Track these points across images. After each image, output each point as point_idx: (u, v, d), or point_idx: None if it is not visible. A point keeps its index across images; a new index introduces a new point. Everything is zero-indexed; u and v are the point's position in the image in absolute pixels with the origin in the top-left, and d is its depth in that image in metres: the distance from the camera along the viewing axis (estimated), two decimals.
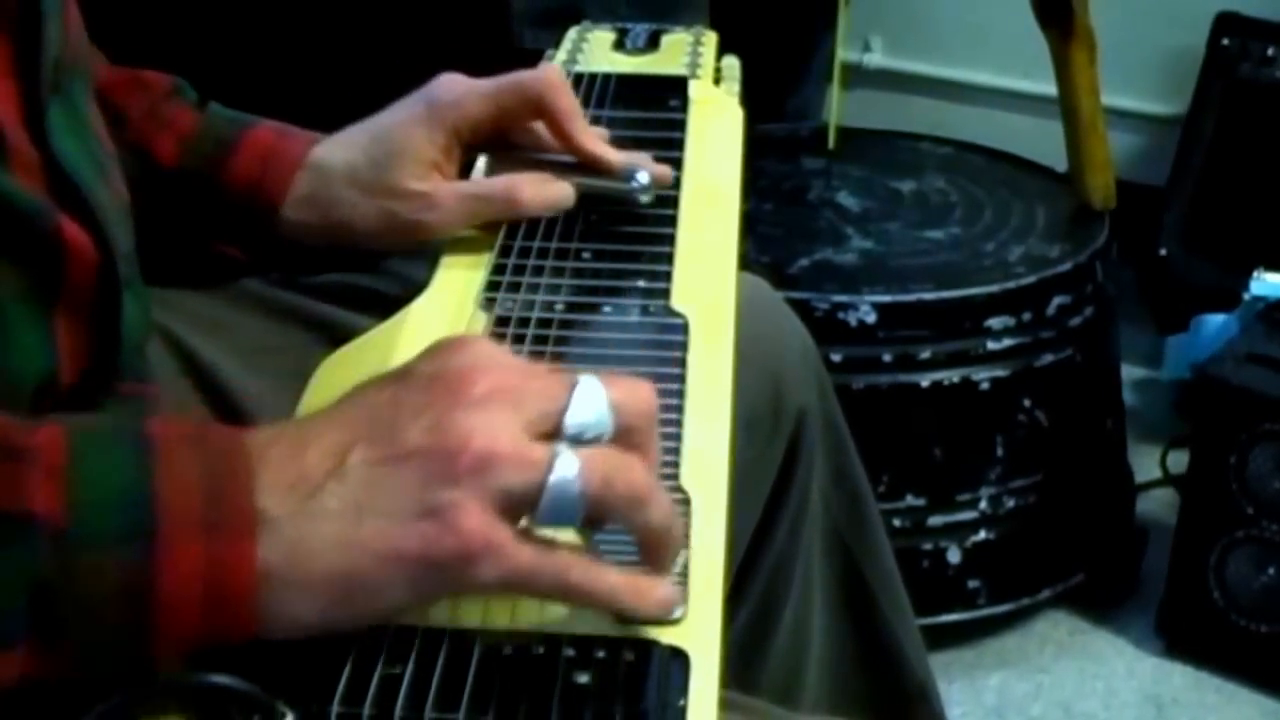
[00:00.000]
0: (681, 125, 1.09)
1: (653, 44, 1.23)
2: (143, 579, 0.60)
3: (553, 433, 0.64)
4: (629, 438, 0.65)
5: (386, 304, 0.97)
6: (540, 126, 0.99)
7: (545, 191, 0.96)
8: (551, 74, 0.99)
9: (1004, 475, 1.85)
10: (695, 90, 1.15)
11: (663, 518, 0.65)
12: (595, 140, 0.98)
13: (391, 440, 0.63)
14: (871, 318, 1.77)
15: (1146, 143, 2.58)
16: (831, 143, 2.18)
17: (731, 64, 1.23)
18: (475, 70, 1.05)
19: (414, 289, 0.95)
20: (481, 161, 1.02)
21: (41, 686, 0.63)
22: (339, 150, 1.00)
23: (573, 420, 0.64)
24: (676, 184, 1.01)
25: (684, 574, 0.69)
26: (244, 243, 1.03)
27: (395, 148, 0.97)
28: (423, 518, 0.61)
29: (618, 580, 0.64)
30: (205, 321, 1.01)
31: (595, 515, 0.64)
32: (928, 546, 1.83)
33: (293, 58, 1.99)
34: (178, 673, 0.62)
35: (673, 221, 0.97)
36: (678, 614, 0.67)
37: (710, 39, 1.26)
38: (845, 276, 1.84)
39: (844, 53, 2.41)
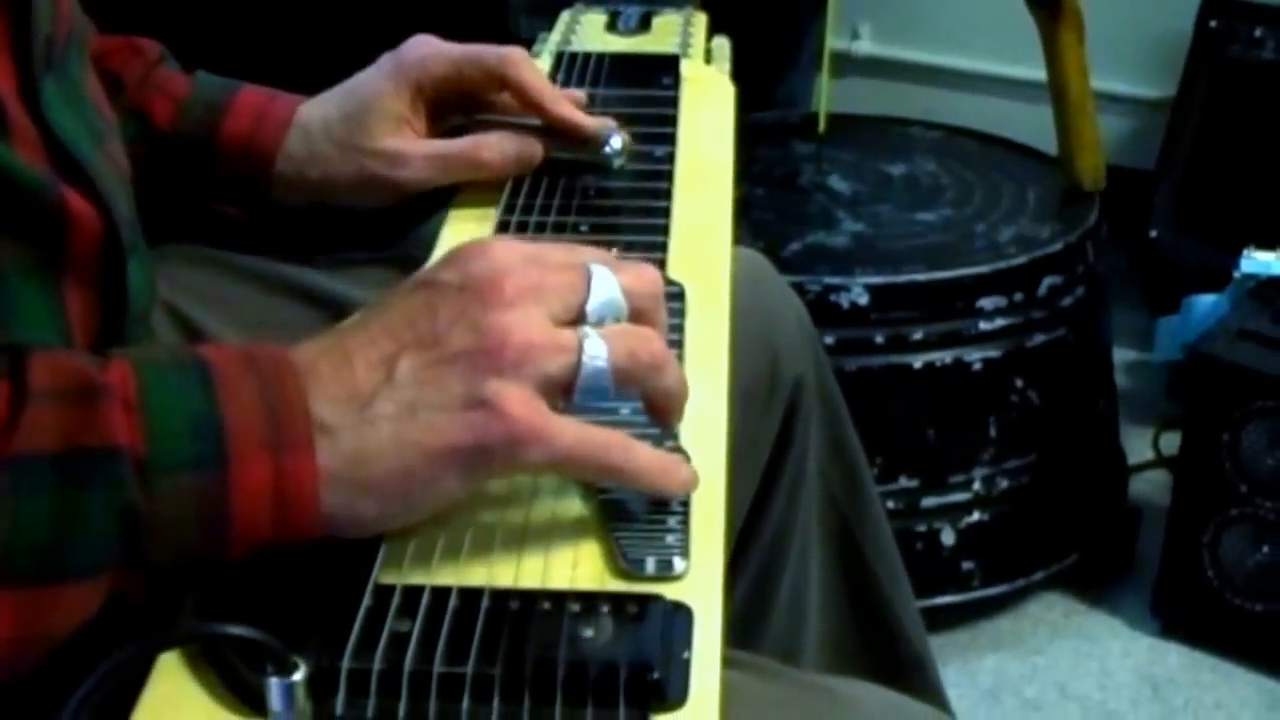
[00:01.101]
0: (674, 102, 1.11)
1: (644, 25, 1.25)
2: (218, 498, 0.65)
3: (576, 320, 0.70)
4: (640, 316, 0.72)
5: (388, 278, 1.00)
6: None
7: (507, 149, 1.00)
8: (512, 52, 1.02)
9: (997, 456, 1.86)
10: (687, 69, 1.17)
11: (677, 381, 0.72)
12: (567, 106, 1.02)
13: (436, 345, 0.67)
14: (864, 299, 1.77)
15: (1136, 126, 2.59)
16: (822, 127, 2.18)
17: (721, 44, 1.24)
18: None
19: (415, 264, 0.96)
20: None
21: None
22: (317, 108, 1.03)
23: (593, 307, 0.70)
24: (670, 159, 1.03)
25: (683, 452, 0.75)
26: (242, 202, 1.05)
27: (365, 104, 1.01)
28: (472, 408, 0.66)
29: (650, 459, 0.70)
30: (209, 296, 1.02)
31: (623, 386, 0.69)
32: (922, 528, 1.84)
33: (287, 45, 1.99)
34: (194, 623, 0.63)
35: (668, 195, 0.98)
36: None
37: (700, 20, 1.28)
38: (837, 259, 1.85)
39: (832, 40, 2.41)
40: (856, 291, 1.77)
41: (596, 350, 0.68)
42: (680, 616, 0.66)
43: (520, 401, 0.66)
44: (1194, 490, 1.83)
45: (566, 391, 0.68)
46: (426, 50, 1.02)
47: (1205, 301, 2.08)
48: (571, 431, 0.68)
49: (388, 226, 1.14)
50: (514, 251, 0.71)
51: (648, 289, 0.73)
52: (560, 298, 0.69)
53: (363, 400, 0.67)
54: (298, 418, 0.66)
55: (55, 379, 0.64)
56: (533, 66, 1.02)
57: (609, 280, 0.71)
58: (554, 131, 1.01)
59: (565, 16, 1.26)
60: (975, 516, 1.86)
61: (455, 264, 0.70)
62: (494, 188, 1.00)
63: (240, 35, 2.04)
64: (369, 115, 1.01)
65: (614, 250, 0.91)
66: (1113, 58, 2.23)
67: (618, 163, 1.01)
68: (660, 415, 0.73)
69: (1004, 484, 1.87)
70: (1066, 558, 1.95)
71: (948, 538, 1.85)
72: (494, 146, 1.00)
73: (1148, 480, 2.12)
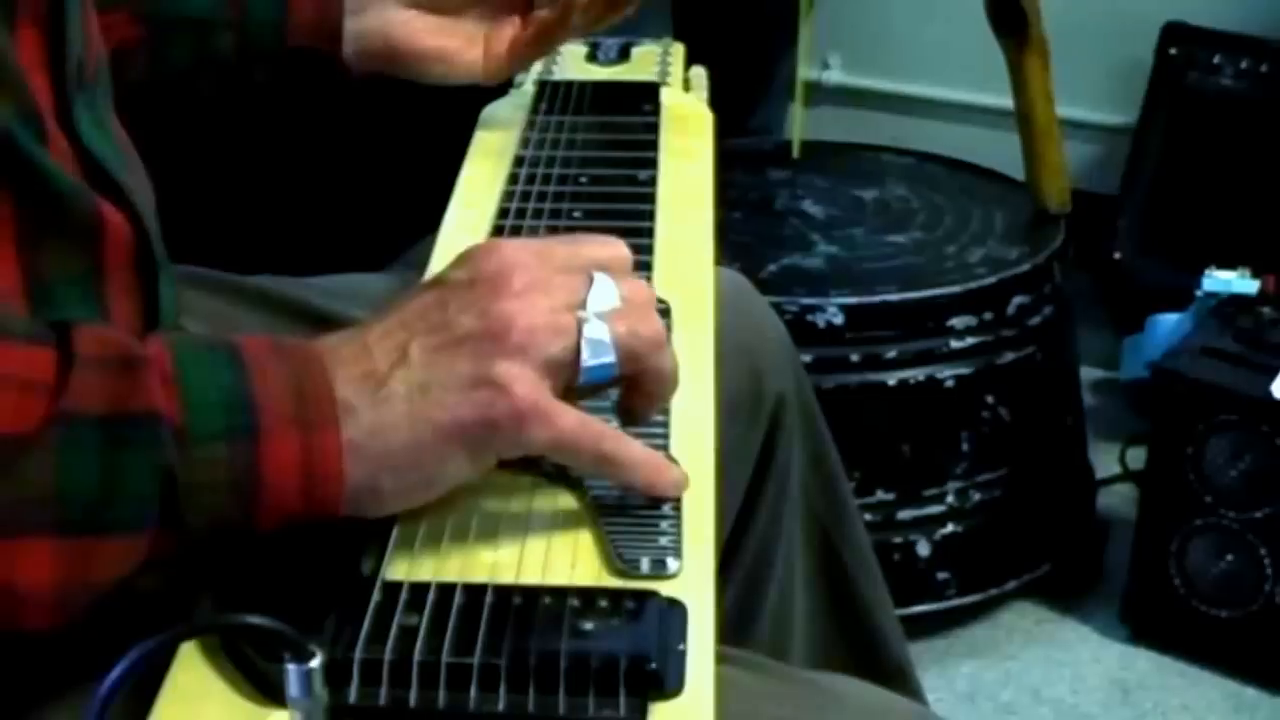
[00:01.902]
0: (655, 128, 1.15)
1: (623, 56, 1.29)
2: (250, 468, 0.69)
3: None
4: None
5: (383, 298, 1.03)
6: None
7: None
8: None
9: (970, 470, 1.90)
10: (667, 96, 1.21)
11: (671, 366, 0.76)
12: None
13: (446, 330, 0.72)
14: (839, 319, 1.81)
15: (1099, 152, 2.62)
16: (796, 152, 2.23)
17: (699, 73, 1.29)
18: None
19: (408, 283, 1.00)
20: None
21: (77, 631, 0.69)
22: None
23: (592, 306, 0.74)
24: (653, 182, 1.07)
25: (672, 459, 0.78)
26: (318, 93, 1.14)
27: None
28: (480, 387, 0.71)
29: (643, 455, 0.75)
30: (217, 319, 1.06)
31: (626, 362, 0.74)
32: (898, 540, 1.87)
33: None
34: (215, 614, 0.67)
35: (651, 216, 1.02)
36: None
37: (678, 50, 1.32)
38: (813, 280, 1.88)
39: (803, 70, 2.46)
40: (832, 312, 1.81)
41: (598, 328, 0.73)
42: (675, 612, 0.69)
43: (526, 382, 0.71)
44: (1160, 501, 1.87)
45: (570, 375, 0.73)
46: None
47: (1169, 320, 2.10)
48: (573, 416, 0.72)
49: (381, 248, 1.19)
50: (522, 250, 0.76)
51: (642, 298, 0.77)
52: (563, 295, 0.74)
53: (378, 380, 0.71)
54: (323, 398, 0.70)
55: (100, 349, 0.69)
56: None
57: (609, 286, 0.75)
58: None
59: None
60: (949, 528, 1.90)
61: (466, 263, 0.76)
62: (483, 207, 1.04)
63: None
64: None
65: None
66: (1076, 85, 2.26)
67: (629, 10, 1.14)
68: (648, 400, 0.77)
69: (977, 497, 1.91)
70: (1038, 568, 1.98)
71: (923, 549, 1.89)
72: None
73: (1115, 494, 2.15)
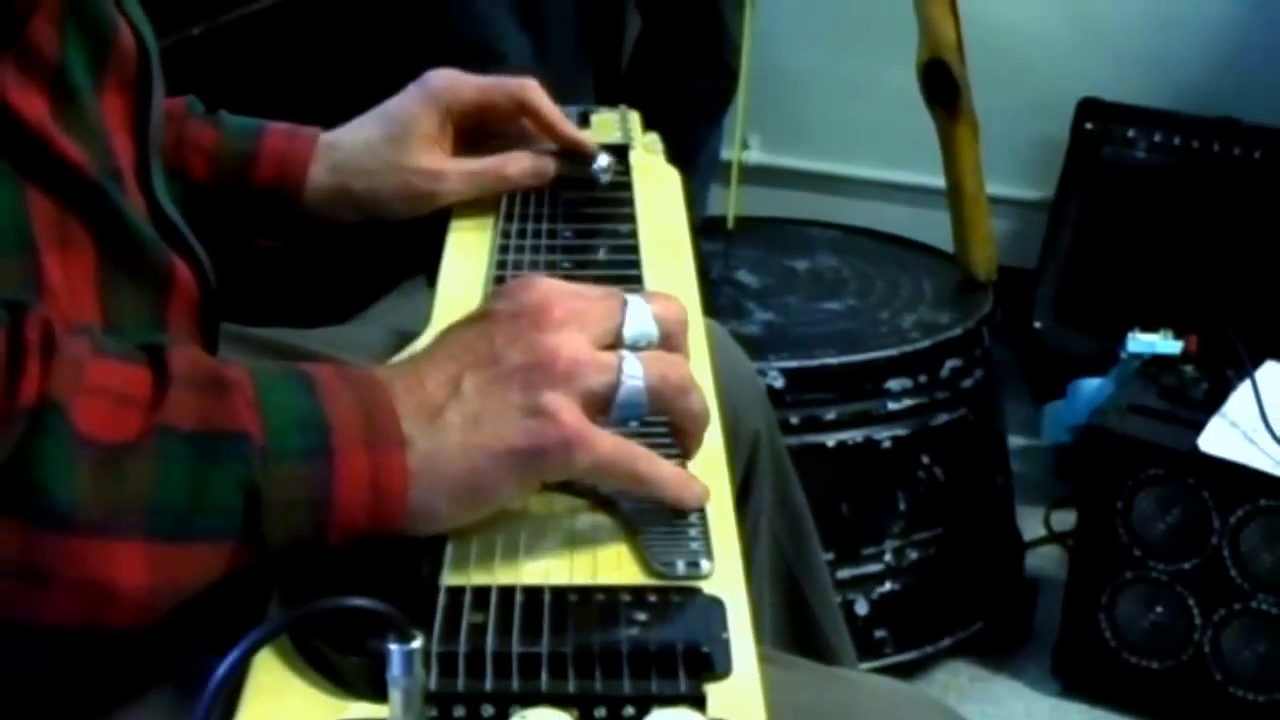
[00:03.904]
0: (628, 186, 1.21)
1: (584, 122, 1.33)
2: (324, 486, 0.73)
3: (614, 344, 0.79)
4: (669, 341, 0.81)
5: (382, 346, 1.10)
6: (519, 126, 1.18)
7: (526, 165, 1.16)
8: (528, 81, 1.17)
9: (906, 529, 1.95)
10: (634, 157, 1.26)
11: (701, 405, 0.81)
12: (573, 126, 1.18)
13: (494, 363, 0.77)
14: (779, 383, 1.87)
15: (1018, 227, 2.69)
16: (730, 223, 2.29)
17: (654, 138, 1.34)
18: None
19: (409, 338, 1.04)
20: None
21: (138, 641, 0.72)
22: (355, 132, 1.16)
23: (629, 333, 0.80)
24: (634, 235, 1.12)
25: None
26: (275, 234, 1.17)
27: (404, 126, 1.14)
28: (530, 416, 0.75)
29: (670, 472, 0.79)
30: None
31: (655, 405, 0.78)
32: (837, 599, 1.90)
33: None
34: (325, 599, 0.69)
35: (637, 265, 1.08)
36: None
37: (634, 117, 1.37)
38: (752, 345, 1.89)
39: (725, 150, 2.52)
40: (773, 376, 1.86)
41: (634, 370, 0.78)
42: (715, 605, 0.74)
43: (570, 411, 0.75)
44: (1090, 556, 1.92)
45: (604, 408, 0.77)
46: (451, 78, 1.16)
47: (1090, 385, 2.17)
48: (611, 441, 0.77)
49: (348, 302, 1.23)
50: (558, 284, 0.81)
51: (676, 315, 0.82)
52: (600, 323, 0.79)
53: (433, 412, 0.75)
54: (389, 422, 0.75)
55: (192, 369, 0.73)
56: (545, 95, 1.17)
57: (643, 308, 0.80)
58: (557, 153, 1.17)
59: None
60: (887, 586, 1.94)
61: (507, 296, 0.80)
62: (476, 260, 1.08)
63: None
64: (407, 136, 1.14)
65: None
66: (994, 161, 2.32)
67: (605, 179, 1.19)
68: (684, 437, 0.82)
69: (913, 555, 1.96)
70: (971, 625, 2.03)
71: (861, 608, 1.93)
72: (516, 162, 1.16)
73: (1042, 555, 2.21)
